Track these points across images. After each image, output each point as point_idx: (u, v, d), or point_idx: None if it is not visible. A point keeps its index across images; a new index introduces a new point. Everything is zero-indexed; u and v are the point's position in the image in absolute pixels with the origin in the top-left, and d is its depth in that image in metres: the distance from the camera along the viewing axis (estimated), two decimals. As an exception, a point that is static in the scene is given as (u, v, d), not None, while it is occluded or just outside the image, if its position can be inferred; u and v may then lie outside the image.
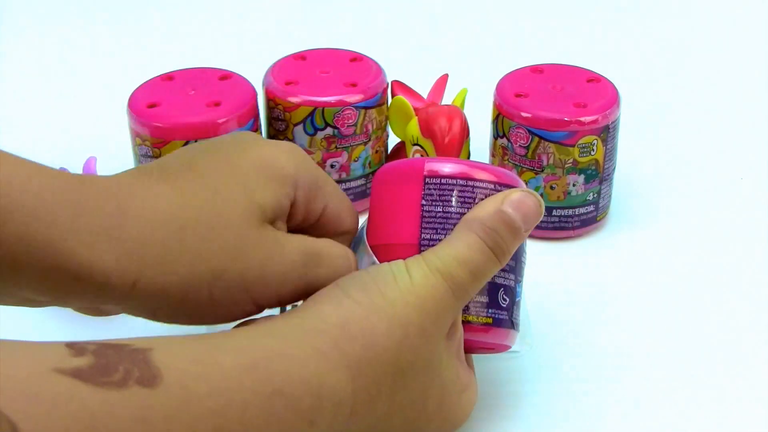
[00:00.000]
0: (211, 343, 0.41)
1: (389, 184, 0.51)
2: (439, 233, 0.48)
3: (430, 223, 0.49)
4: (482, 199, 0.48)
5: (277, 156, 0.47)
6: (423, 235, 0.49)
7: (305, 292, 0.47)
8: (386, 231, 0.50)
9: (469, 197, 0.49)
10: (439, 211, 0.49)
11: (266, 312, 0.48)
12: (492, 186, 0.49)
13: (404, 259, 0.46)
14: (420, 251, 0.48)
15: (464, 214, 0.48)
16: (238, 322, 0.47)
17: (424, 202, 0.49)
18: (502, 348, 0.51)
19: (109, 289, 0.43)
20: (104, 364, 0.36)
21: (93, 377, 0.35)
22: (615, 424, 0.54)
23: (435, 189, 0.49)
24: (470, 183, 0.49)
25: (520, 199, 0.47)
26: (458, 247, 0.46)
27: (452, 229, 0.48)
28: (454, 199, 0.49)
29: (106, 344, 0.37)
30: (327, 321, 0.43)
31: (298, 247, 0.47)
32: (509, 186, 0.49)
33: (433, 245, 0.48)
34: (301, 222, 0.49)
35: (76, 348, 0.36)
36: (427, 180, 0.49)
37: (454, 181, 0.49)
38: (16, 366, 0.34)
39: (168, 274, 0.43)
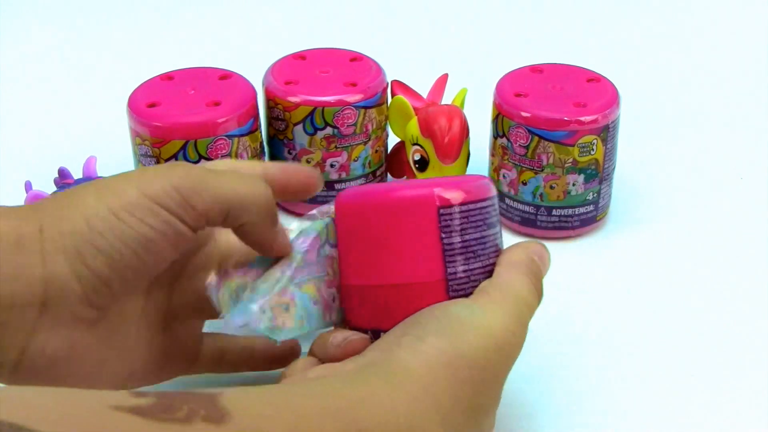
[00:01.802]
0: (286, 390, 0.40)
1: (383, 216, 0.47)
2: (463, 264, 0.47)
3: (452, 255, 0.47)
4: (492, 216, 0.49)
5: (145, 176, 0.46)
6: (448, 270, 0.47)
7: (202, 173, 0.45)
8: (396, 269, 0.47)
9: (482, 219, 0.48)
10: (458, 242, 0.47)
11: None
12: (492, 203, 0.49)
13: (443, 300, 0.46)
14: (448, 286, 0.46)
15: (480, 237, 0.48)
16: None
17: (443, 235, 0.46)
18: None
19: (24, 245, 0.42)
20: (167, 403, 0.33)
21: (154, 413, 0.33)
22: (615, 424, 0.54)
23: (451, 219, 0.47)
24: (480, 205, 0.48)
25: (539, 249, 0.50)
26: (517, 286, 0.47)
27: (473, 257, 0.47)
28: (471, 226, 0.47)
29: (170, 391, 0.35)
30: (411, 368, 0.42)
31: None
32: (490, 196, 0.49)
33: (459, 279, 0.47)
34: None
35: (136, 392, 0.34)
36: (441, 212, 0.46)
37: (468, 207, 0.47)
38: (75, 405, 0.32)
39: (63, 207, 0.44)
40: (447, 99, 0.72)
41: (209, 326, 0.53)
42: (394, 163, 0.74)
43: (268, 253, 0.48)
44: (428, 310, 0.45)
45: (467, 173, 0.69)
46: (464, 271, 0.47)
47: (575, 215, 0.68)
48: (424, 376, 0.42)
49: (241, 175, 0.46)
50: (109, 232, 0.43)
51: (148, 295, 0.48)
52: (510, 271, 0.47)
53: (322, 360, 0.47)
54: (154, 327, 0.49)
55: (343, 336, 0.47)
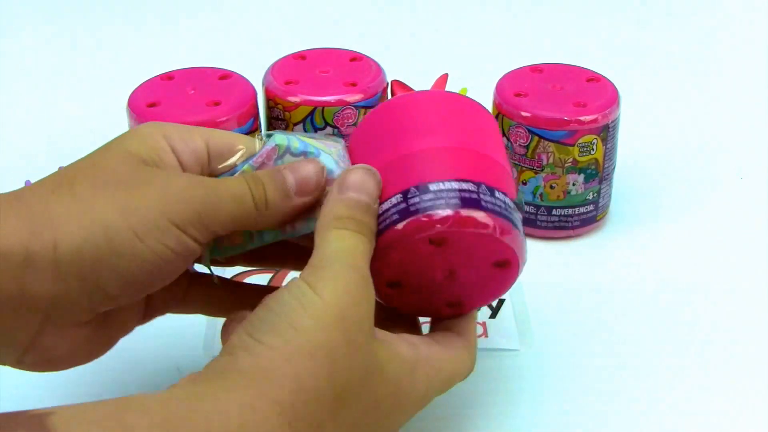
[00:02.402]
0: (118, 405, 0.39)
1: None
2: None
3: None
4: None
5: (139, 127, 0.48)
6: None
7: (215, 196, 0.46)
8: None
9: None
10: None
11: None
12: None
13: (300, 275, 0.45)
14: None
15: None
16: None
17: None
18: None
19: (35, 261, 0.42)
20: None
21: None
22: (615, 424, 0.54)
23: None
24: None
25: (352, 180, 0.47)
26: (336, 244, 0.45)
27: None
28: None
29: (3, 414, 0.36)
30: (249, 376, 0.41)
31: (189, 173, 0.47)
32: None
33: None
34: (203, 166, 0.49)
35: None
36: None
37: None
38: None
39: (79, 225, 0.43)
40: (447, 99, 0.72)
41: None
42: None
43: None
44: (263, 303, 0.44)
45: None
46: None
47: (575, 215, 0.68)
48: (260, 381, 0.41)
49: (237, 190, 0.47)
50: (129, 254, 0.43)
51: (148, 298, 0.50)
52: (324, 233, 0.45)
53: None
54: (147, 317, 0.51)
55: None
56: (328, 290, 0.43)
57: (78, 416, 0.37)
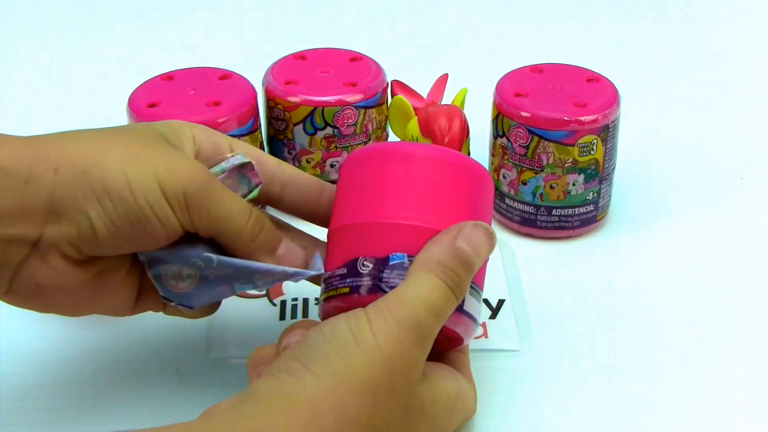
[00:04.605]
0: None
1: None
2: None
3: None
4: None
5: (169, 120, 0.52)
6: None
7: (209, 192, 0.48)
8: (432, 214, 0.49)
9: None
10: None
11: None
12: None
13: (365, 307, 0.45)
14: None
15: None
16: None
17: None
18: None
19: (35, 180, 0.45)
20: None
21: None
22: (615, 424, 0.54)
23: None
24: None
25: (471, 234, 0.47)
26: (422, 290, 0.45)
27: None
28: None
29: None
30: (294, 400, 0.42)
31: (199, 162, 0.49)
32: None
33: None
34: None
35: None
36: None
37: None
38: None
39: (83, 158, 0.46)
40: (447, 99, 0.72)
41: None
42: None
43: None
44: (317, 329, 0.45)
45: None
46: None
47: (575, 215, 0.68)
48: (304, 408, 0.41)
49: (241, 207, 0.49)
50: (117, 198, 0.46)
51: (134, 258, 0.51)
52: (420, 271, 0.46)
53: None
54: (138, 275, 0.51)
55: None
56: (383, 334, 0.44)
57: None
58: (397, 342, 0.43)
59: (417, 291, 0.45)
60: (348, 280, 0.48)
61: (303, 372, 0.43)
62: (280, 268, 0.49)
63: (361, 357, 0.43)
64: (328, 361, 0.43)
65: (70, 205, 0.45)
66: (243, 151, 0.52)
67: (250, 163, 0.51)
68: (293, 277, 0.49)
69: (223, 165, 0.50)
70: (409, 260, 0.47)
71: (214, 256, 0.49)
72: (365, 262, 0.48)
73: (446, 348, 0.50)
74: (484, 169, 0.53)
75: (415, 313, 0.44)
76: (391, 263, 0.47)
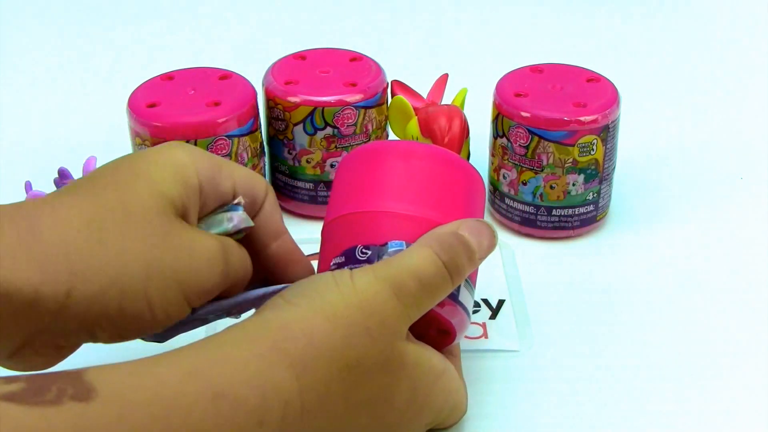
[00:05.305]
0: (147, 359, 0.41)
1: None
2: None
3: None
4: None
5: (172, 152, 0.47)
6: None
7: (224, 283, 0.47)
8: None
9: None
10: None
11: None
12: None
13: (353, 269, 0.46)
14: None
15: None
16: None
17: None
18: None
19: (41, 304, 0.42)
20: (37, 387, 0.36)
21: (26, 398, 0.36)
22: (615, 424, 0.54)
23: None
24: None
25: (475, 226, 0.49)
26: (411, 258, 0.46)
27: None
28: None
29: (38, 373, 0.38)
30: (267, 326, 0.44)
31: (212, 236, 0.47)
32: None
33: None
34: (220, 206, 0.49)
35: (7, 378, 0.37)
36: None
37: None
38: None
39: (100, 276, 0.43)
40: (447, 99, 0.72)
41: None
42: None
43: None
44: (314, 276, 0.47)
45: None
46: None
47: (575, 215, 0.68)
48: (274, 332, 0.43)
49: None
50: (132, 316, 0.44)
51: None
52: (416, 245, 0.47)
53: None
54: None
55: None
56: (361, 281, 0.45)
57: (112, 370, 0.39)
58: (373, 291, 0.45)
59: (405, 259, 0.46)
60: (346, 267, 0.48)
61: (282, 303, 0.45)
62: (249, 295, 0.49)
63: (338, 294, 0.44)
64: (307, 295, 0.45)
65: (75, 329, 0.44)
66: (241, 192, 0.49)
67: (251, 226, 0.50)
68: (262, 299, 0.49)
69: (227, 226, 0.49)
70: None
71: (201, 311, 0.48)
72: (364, 249, 0.49)
73: (439, 346, 0.50)
74: (478, 173, 0.53)
75: (397, 273, 0.45)
76: (390, 250, 0.48)
